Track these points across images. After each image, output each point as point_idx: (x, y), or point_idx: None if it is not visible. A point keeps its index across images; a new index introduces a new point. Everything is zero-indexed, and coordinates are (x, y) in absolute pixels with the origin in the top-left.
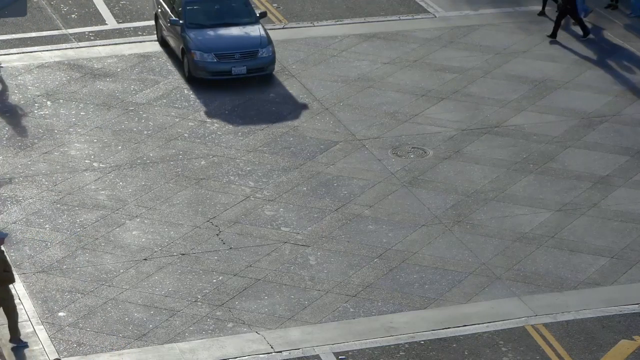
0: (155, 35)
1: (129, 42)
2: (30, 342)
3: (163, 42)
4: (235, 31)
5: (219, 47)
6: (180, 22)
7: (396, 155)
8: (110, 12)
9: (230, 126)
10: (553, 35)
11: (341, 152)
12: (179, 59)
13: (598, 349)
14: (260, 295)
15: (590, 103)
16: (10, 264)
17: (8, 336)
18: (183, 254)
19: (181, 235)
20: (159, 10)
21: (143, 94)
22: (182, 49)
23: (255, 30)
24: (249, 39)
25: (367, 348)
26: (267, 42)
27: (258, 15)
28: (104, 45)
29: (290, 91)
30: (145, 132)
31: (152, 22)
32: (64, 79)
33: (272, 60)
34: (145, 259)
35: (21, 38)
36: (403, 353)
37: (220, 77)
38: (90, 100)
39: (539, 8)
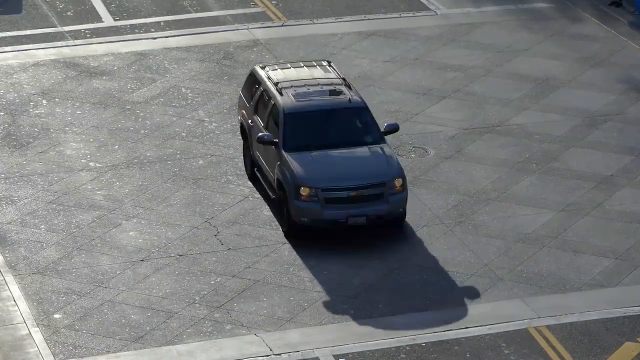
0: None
1: (126, 40)
2: (26, 345)
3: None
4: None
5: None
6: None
7: (397, 154)
8: (107, 9)
9: (229, 125)
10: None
11: None
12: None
13: (602, 351)
14: (259, 297)
15: (594, 102)
16: None
17: (4, 338)
18: (181, 255)
19: (179, 236)
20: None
21: (140, 92)
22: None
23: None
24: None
25: (367, 350)
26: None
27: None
28: (100, 43)
29: None
30: (142, 131)
31: (150, 20)
32: (60, 77)
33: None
34: (142, 260)
35: (16, 36)
36: (404, 355)
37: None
38: (86, 99)
39: (541, 5)
